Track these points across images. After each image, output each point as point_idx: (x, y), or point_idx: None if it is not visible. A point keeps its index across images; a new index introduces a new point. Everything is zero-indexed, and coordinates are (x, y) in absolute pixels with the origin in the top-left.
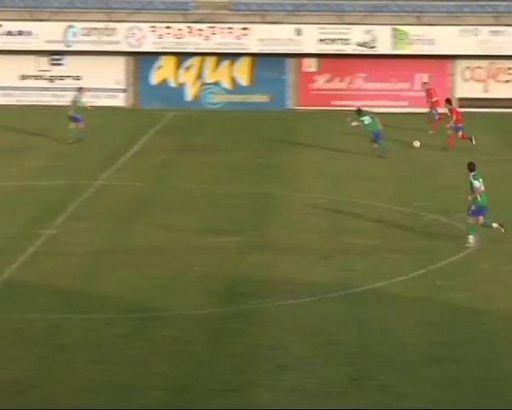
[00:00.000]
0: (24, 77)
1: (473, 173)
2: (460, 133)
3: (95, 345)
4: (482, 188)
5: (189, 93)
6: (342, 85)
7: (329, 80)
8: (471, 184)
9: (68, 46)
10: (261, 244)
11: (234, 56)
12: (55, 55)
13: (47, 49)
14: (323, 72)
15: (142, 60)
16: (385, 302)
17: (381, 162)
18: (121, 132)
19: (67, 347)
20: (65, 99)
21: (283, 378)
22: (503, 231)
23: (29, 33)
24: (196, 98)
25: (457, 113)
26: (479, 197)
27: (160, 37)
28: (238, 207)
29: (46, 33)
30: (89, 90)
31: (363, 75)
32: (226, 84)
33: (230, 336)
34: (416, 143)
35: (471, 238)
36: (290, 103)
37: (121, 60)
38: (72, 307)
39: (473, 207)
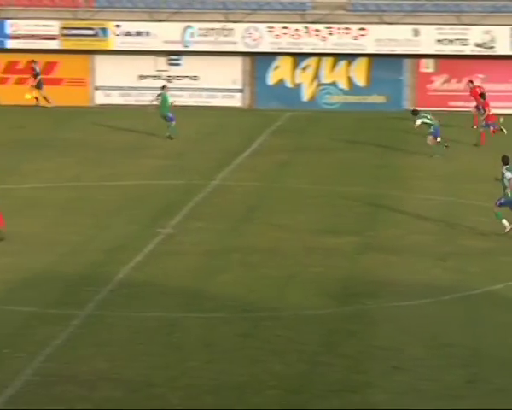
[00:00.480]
0: (142, 77)
1: (506, 166)
2: (491, 128)
3: (210, 344)
4: None
5: (306, 93)
6: (460, 86)
7: (447, 81)
8: (502, 175)
9: (186, 46)
10: (376, 245)
11: (350, 57)
12: (172, 56)
13: (165, 49)
14: (441, 72)
15: (259, 60)
16: (501, 305)
17: (498, 164)
18: (238, 132)
19: (184, 346)
20: (182, 99)
21: (398, 380)
22: (507, 229)
23: (147, 34)
24: (312, 99)
25: (489, 109)
26: (509, 192)
27: (277, 37)
28: (353, 207)
29: (164, 34)
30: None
31: (482, 76)
32: (342, 84)
33: (345, 336)
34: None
35: (505, 222)
36: (407, 104)
37: (238, 60)
38: (188, 307)
39: (502, 200)
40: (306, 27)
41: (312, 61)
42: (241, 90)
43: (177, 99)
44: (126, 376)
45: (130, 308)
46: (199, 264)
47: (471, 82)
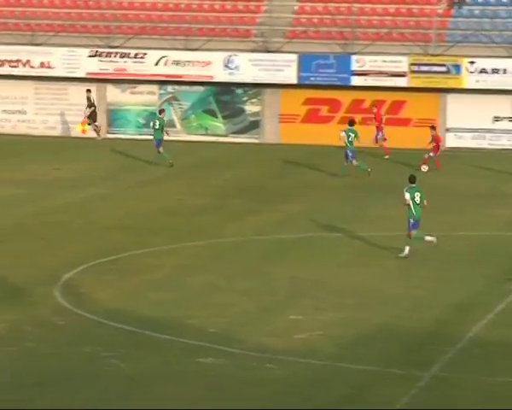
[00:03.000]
0: (498, 119)
1: (410, 185)
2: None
3: None
4: (408, 201)
5: None
6: None
7: None
8: (404, 194)
9: None
10: None
11: None
12: None
13: None
14: None
15: None
16: None
17: None
18: None
19: None
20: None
21: None
22: (434, 241)
23: (504, 71)
24: None
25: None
26: (413, 210)
27: None
28: None
29: None
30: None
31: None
32: None
33: None
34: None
35: (427, 238)
36: None
37: None
38: None
39: (411, 222)
40: None
41: None
42: None
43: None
44: None
45: (481, 371)
46: None
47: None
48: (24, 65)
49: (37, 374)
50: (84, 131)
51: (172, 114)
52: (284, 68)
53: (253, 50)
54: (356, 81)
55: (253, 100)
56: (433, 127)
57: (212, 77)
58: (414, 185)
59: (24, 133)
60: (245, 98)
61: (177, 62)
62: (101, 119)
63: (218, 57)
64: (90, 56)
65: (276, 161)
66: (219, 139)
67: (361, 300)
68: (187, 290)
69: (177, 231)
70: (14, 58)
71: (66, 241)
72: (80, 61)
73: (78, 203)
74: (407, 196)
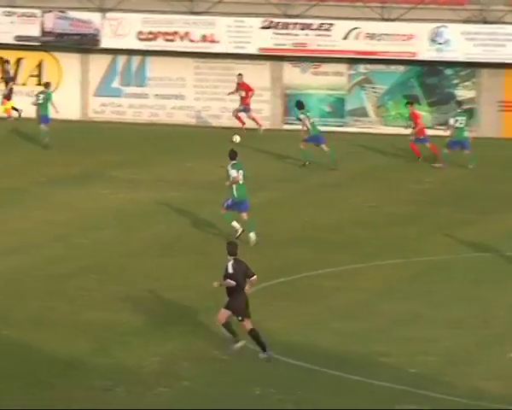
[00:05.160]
0: None
1: (233, 162)
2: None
3: None
4: (239, 178)
5: None
6: None
7: None
8: (227, 172)
9: None
10: None
11: None
12: None
13: None
14: None
15: None
16: None
17: None
18: None
19: None
20: None
21: None
22: (239, 233)
23: None
24: None
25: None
26: (234, 189)
27: None
28: None
29: None
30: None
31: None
32: None
33: None
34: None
35: (235, 225)
36: None
37: None
38: None
39: (229, 202)
40: None
41: None
42: None
43: None
44: None
45: None
46: None
47: (240, 75)
48: (181, 38)
49: None
50: (8, 112)
51: (365, 100)
52: (506, 44)
53: (466, 21)
54: None
55: (467, 83)
56: (409, 102)
57: (414, 54)
58: (235, 162)
59: (181, 123)
60: (456, 81)
61: (371, 36)
62: (277, 105)
63: (422, 29)
64: (262, 28)
65: (495, 159)
66: None
67: None
68: (380, 320)
69: (368, 246)
70: (170, 30)
71: None
72: (250, 33)
73: None
74: (234, 173)
